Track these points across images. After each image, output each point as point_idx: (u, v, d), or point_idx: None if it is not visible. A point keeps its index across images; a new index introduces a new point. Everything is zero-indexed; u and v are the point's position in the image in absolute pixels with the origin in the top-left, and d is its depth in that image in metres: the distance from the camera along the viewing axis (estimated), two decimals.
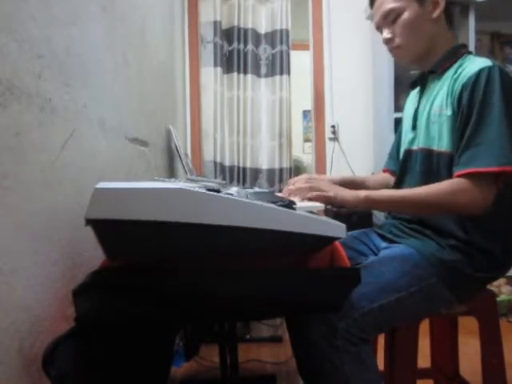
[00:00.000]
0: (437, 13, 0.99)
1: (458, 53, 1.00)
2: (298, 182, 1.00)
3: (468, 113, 0.88)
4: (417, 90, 1.13)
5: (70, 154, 0.80)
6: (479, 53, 2.22)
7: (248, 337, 1.89)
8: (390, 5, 1.00)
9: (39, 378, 0.67)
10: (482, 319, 1.01)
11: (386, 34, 1.04)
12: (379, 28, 1.07)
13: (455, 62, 0.99)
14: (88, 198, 0.58)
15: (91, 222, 0.60)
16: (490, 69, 0.88)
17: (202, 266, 0.70)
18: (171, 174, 1.84)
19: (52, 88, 0.74)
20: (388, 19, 1.01)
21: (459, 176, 0.87)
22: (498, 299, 2.01)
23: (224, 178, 2.29)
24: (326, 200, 0.91)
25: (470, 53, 1.01)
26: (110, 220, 0.59)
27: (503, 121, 0.85)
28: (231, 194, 0.70)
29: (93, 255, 0.83)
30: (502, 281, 2.12)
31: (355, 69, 2.43)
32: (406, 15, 0.99)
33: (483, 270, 0.93)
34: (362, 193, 0.92)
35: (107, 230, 0.62)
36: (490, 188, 0.86)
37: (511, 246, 0.96)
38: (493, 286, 2.03)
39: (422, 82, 1.08)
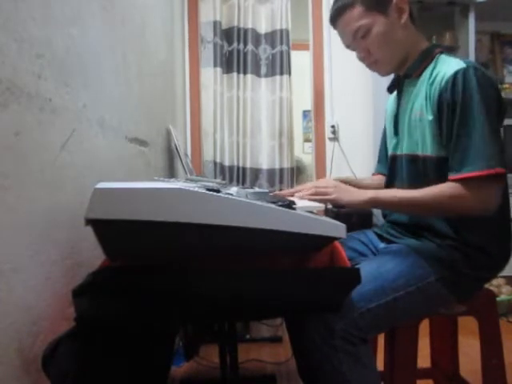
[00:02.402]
0: (404, 18, 0.98)
1: (431, 54, 1.00)
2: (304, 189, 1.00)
3: (451, 116, 0.89)
4: (395, 94, 1.13)
5: (70, 154, 0.80)
6: (479, 53, 2.22)
7: (248, 337, 1.89)
8: (356, 23, 0.98)
9: (39, 378, 0.67)
10: (482, 319, 1.01)
11: (360, 52, 1.03)
12: (349, 47, 1.06)
13: (429, 63, 0.98)
14: (88, 197, 0.58)
15: (91, 222, 0.60)
16: (465, 70, 0.88)
17: (202, 266, 0.70)
18: (171, 174, 1.84)
19: (52, 88, 0.74)
20: (357, 37, 1.00)
21: (454, 180, 0.88)
22: (498, 299, 2.01)
23: (224, 178, 2.29)
24: (331, 202, 0.93)
25: (442, 52, 1.00)
26: (110, 220, 0.59)
27: (485, 122, 0.85)
28: (231, 194, 0.70)
29: (93, 255, 0.83)
30: (501, 281, 2.12)
31: (355, 69, 2.42)
32: (375, 29, 0.97)
33: (481, 269, 0.93)
34: (368, 193, 0.92)
35: (107, 229, 0.62)
36: (487, 189, 0.86)
37: (508, 245, 0.96)
38: (493, 286, 2.03)
39: (398, 86, 1.08)
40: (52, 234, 0.73)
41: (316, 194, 0.93)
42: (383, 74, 1.08)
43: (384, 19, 0.97)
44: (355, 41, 1.01)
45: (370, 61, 1.03)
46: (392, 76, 1.12)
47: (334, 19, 1.03)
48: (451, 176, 0.89)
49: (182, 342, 1.57)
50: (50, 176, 0.73)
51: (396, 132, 1.07)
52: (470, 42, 2.07)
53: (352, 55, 2.54)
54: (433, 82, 0.94)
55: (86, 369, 0.67)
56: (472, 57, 2.10)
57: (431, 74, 0.96)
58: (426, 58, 0.99)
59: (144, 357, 0.74)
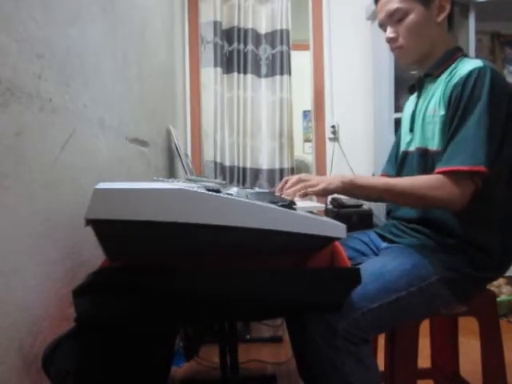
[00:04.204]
0: (442, 17, 1.00)
1: (453, 56, 1.01)
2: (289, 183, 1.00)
3: (455, 111, 0.90)
4: (415, 94, 1.13)
5: (70, 154, 0.80)
6: (479, 53, 2.22)
7: (248, 337, 1.89)
8: (397, 4, 1.00)
9: (39, 378, 0.67)
10: (482, 319, 1.00)
11: (390, 33, 1.04)
12: (382, 25, 1.07)
13: (450, 64, 1.00)
14: (88, 198, 0.58)
15: (91, 222, 0.60)
16: (480, 69, 0.89)
17: (202, 267, 0.70)
18: (171, 174, 1.84)
19: (52, 88, 0.74)
20: (393, 18, 1.02)
21: (438, 173, 0.89)
22: (498, 299, 2.01)
23: (224, 179, 2.29)
24: (318, 194, 0.91)
25: (465, 55, 1.02)
26: (110, 220, 0.59)
27: (484, 120, 0.86)
28: (231, 195, 0.70)
29: (93, 255, 0.83)
30: (502, 281, 2.12)
31: (355, 69, 2.43)
32: (411, 17, 0.99)
33: (483, 270, 0.93)
34: (348, 177, 0.93)
35: (107, 230, 0.62)
36: (465, 185, 0.87)
37: (511, 246, 0.96)
38: (493, 286, 2.03)
39: (419, 85, 1.09)
40: (52, 234, 0.73)
41: (305, 187, 0.91)
42: (403, 62, 1.09)
43: (423, 10, 0.99)
44: (389, 21, 1.03)
45: (396, 45, 1.04)
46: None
47: None
48: (438, 168, 0.90)
49: (182, 342, 1.57)
50: (50, 176, 0.73)
51: (412, 129, 1.08)
52: (470, 42, 2.06)
53: (352, 55, 2.53)
54: (450, 80, 0.95)
55: (86, 369, 0.67)
56: (472, 57, 2.09)
57: (450, 74, 0.97)
58: (448, 59, 1.01)
59: (144, 357, 0.74)
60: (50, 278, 0.73)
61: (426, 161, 0.99)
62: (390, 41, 1.05)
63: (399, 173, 1.12)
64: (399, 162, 1.12)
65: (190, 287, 0.68)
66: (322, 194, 0.91)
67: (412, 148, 1.06)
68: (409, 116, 1.11)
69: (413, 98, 1.16)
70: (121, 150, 1.13)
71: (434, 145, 0.97)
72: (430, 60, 1.04)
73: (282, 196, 0.94)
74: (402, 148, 1.12)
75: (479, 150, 0.85)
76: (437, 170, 0.90)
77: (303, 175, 0.99)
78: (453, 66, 0.99)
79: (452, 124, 0.90)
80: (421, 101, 1.07)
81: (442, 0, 0.99)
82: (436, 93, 0.99)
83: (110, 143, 1.02)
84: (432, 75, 1.03)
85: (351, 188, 0.92)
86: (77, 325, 0.68)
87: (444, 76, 0.99)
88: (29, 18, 0.67)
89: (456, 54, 1.01)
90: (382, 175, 1.28)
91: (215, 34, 2.28)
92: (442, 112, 0.94)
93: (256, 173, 2.36)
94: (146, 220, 0.59)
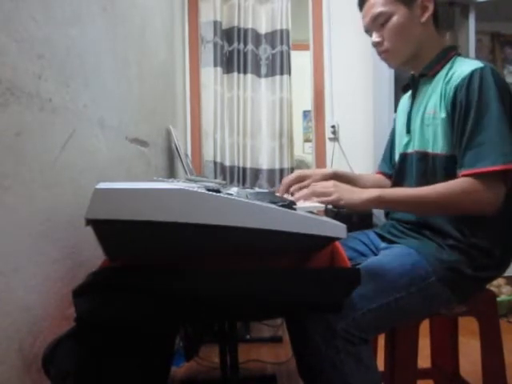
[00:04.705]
0: (425, 17, 1.00)
1: (447, 55, 1.01)
2: (296, 185, 1.00)
3: (465, 113, 0.89)
4: (409, 93, 1.13)
5: (70, 154, 0.80)
6: (479, 53, 2.22)
7: (248, 337, 1.89)
8: (379, 8, 1.00)
9: (39, 377, 0.67)
10: (482, 319, 1.00)
11: (375, 37, 1.04)
12: (368, 31, 1.07)
13: (445, 64, 1.00)
14: (88, 198, 0.58)
15: (91, 222, 0.60)
16: (482, 69, 0.89)
17: (202, 267, 0.70)
18: (171, 174, 1.84)
19: (52, 88, 0.74)
20: (377, 22, 1.02)
21: (466, 176, 0.87)
22: (498, 299, 2.01)
23: (224, 179, 2.29)
24: (330, 203, 0.87)
25: (459, 54, 1.02)
26: (110, 220, 0.59)
27: (502, 119, 0.85)
28: (231, 195, 0.70)
29: (93, 255, 0.83)
30: (501, 281, 2.12)
31: (355, 69, 2.43)
32: (395, 19, 0.99)
33: (482, 270, 0.93)
34: (374, 192, 0.87)
35: (107, 230, 0.62)
36: (499, 187, 0.86)
37: (510, 245, 0.96)
38: (493, 286, 2.03)
39: (413, 85, 1.09)
40: (52, 234, 0.73)
41: (314, 194, 0.87)
42: (392, 65, 1.09)
43: (407, 12, 0.99)
44: (374, 25, 1.03)
45: (382, 49, 1.04)
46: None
47: (362, 1, 1.05)
48: (464, 171, 0.87)
49: (182, 342, 1.57)
50: (50, 176, 0.73)
51: (408, 130, 1.07)
52: (470, 42, 2.07)
53: (352, 55, 2.53)
54: (449, 80, 0.94)
55: (86, 369, 0.67)
56: (472, 57, 2.10)
57: (447, 74, 0.96)
58: (442, 59, 1.01)
59: (144, 357, 0.74)
60: (50, 277, 0.73)
61: (426, 164, 0.98)
62: (376, 45, 1.05)
63: (399, 176, 1.10)
64: (398, 165, 1.11)
65: (190, 287, 0.68)
66: (334, 204, 0.86)
67: (410, 150, 1.06)
68: (404, 117, 1.10)
69: (406, 98, 1.15)
70: (121, 149, 1.13)
71: (436, 148, 0.96)
72: (420, 60, 1.03)
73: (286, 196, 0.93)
74: (400, 150, 1.11)
75: (507, 148, 0.84)
76: (464, 173, 0.87)
77: (301, 172, 0.98)
78: (448, 65, 0.98)
79: (466, 127, 0.88)
80: (417, 102, 1.06)
81: (424, 0, 1.00)
82: (434, 94, 0.98)
83: (109, 143, 1.02)
84: (427, 75, 1.03)
85: (376, 206, 0.90)
86: (77, 325, 0.68)
87: (440, 77, 0.98)
88: (29, 18, 0.67)
89: (450, 53, 1.01)
90: (378, 173, 1.27)
91: (215, 34, 2.28)
92: (443, 115, 0.93)
93: (256, 173, 2.36)
94: (146, 220, 0.60)
